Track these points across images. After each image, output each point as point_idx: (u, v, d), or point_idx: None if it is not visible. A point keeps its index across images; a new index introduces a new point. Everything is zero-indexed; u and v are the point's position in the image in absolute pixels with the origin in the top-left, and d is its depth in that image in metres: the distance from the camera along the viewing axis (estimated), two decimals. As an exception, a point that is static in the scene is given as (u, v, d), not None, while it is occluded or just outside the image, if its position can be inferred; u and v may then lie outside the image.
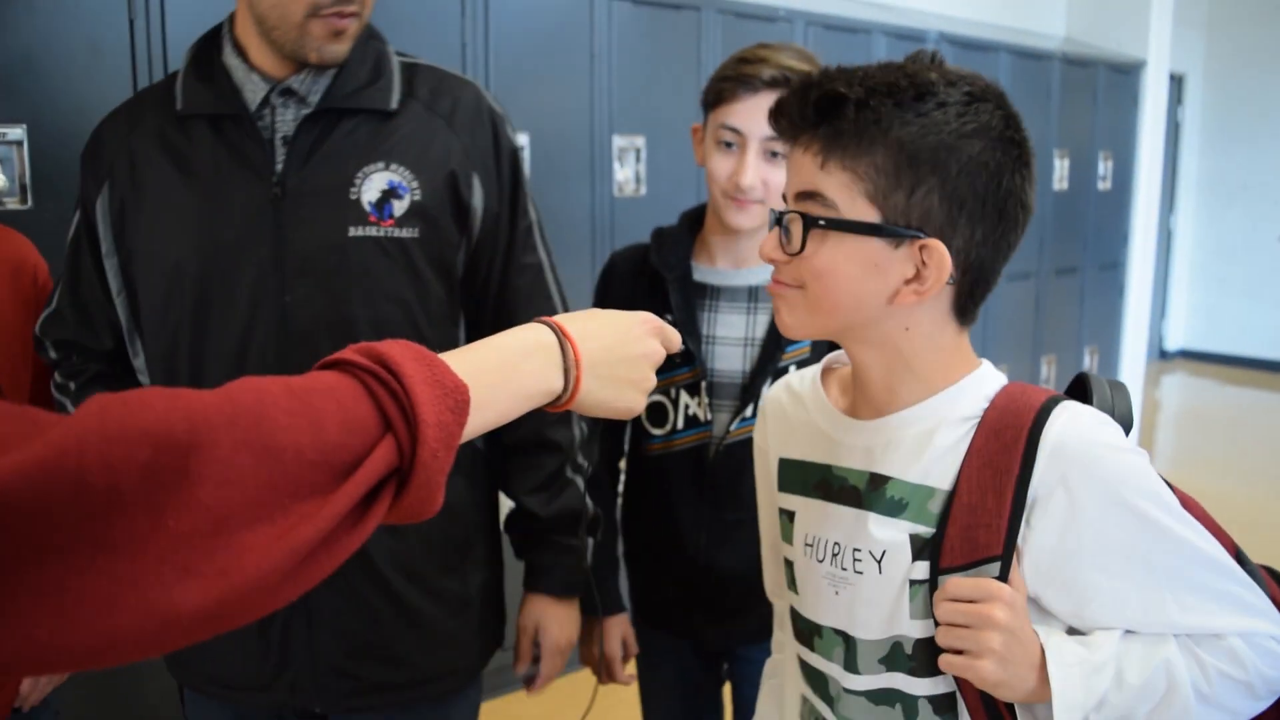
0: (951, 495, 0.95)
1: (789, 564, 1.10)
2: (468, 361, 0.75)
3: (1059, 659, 0.90)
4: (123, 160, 1.35)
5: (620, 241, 3.12)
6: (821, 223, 0.93)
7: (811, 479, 1.06)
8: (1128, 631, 0.93)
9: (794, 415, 1.11)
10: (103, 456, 0.53)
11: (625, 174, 3.18)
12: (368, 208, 1.30)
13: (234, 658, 1.37)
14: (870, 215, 0.92)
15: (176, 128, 1.34)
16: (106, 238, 1.37)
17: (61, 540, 0.52)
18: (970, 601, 0.91)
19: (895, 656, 0.99)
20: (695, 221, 1.66)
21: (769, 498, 1.16)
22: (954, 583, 0.92)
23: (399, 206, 1.32)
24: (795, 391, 1.13)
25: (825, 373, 1.12)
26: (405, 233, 1.32)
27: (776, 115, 0.98)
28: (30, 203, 2.09)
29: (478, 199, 1.37)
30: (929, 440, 0.98)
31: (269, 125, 1.32)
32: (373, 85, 1.34)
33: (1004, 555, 0.92)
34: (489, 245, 1.40)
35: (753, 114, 1.47)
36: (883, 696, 1.01)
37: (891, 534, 0.98)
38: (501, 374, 0.78)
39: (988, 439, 0.95)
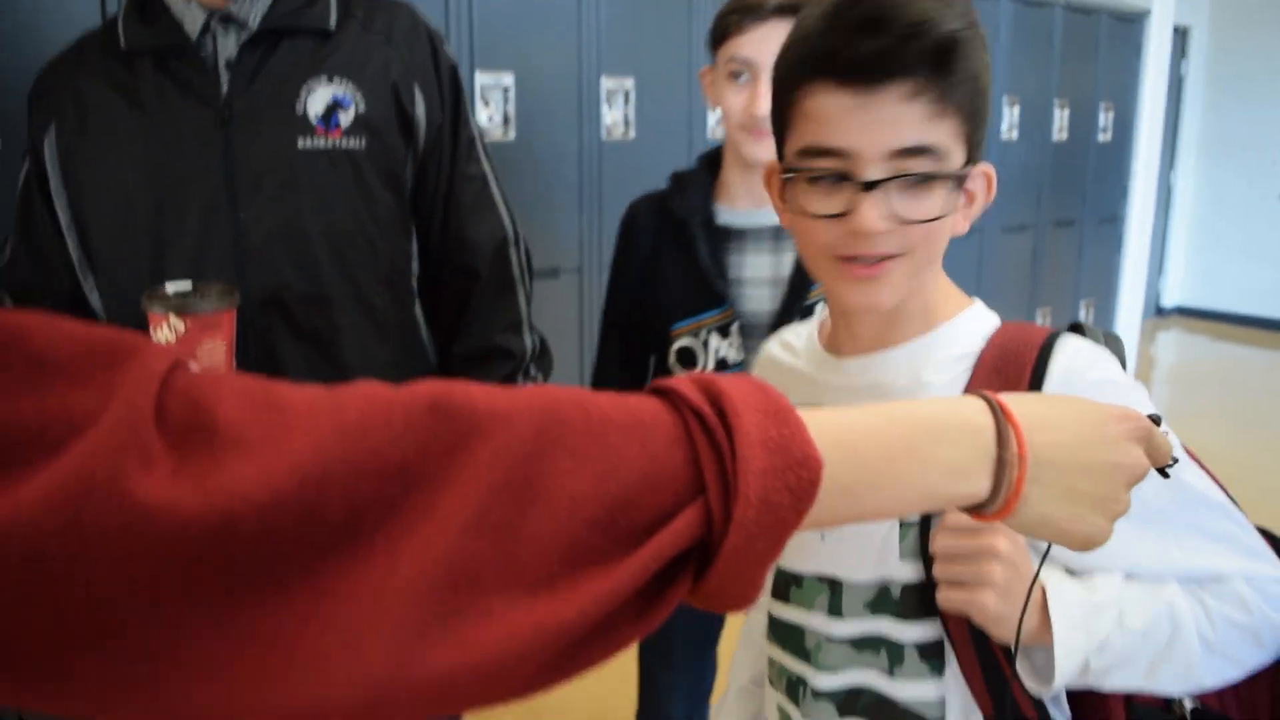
0: None
1: None
2: (847, 429, 0.56)
3: (1060, 599, 0.86)
4: (68, 100, 1.36)
5: (609, 187, 3.07)
6: (949, 180, 0.86)
7: None
8: (1129, 576, 0.89)
9: (786, 364, 1.07)
10: (346, 485, 0.43)
11: (614, 117, 3.10)
12: (314, 120, 1.33)
13: None
14: (960, 156, 0.87)
15: (121, 65, 1.35)
16: (55, 175, 1.37)
17: (285, 576, 0.42)
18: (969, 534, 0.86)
19: (882, 600, 0.95)
20: (713, 163, 1.62)
21: None
22: (953, 515, 0.86)
23: (344, 118, 1.34)
24: (788, 342, 1.09)
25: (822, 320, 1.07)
26: (352, 144, 1.34)
27: (856, 63, 0.83)
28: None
29: (420, 110, 1.40)
30: (919, 378, 0.94)
31: (211, 53, 1.34)
32: (310, 6, 1.37)
33: None
34: (434, 157, 1.43)
35: (763, 42, 1.45)
36: (867, 643, 0.97)
37: None
38: (891, 453, 0.57)
39: (989, 377, 0.91)
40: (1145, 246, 5.35)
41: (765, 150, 1.50)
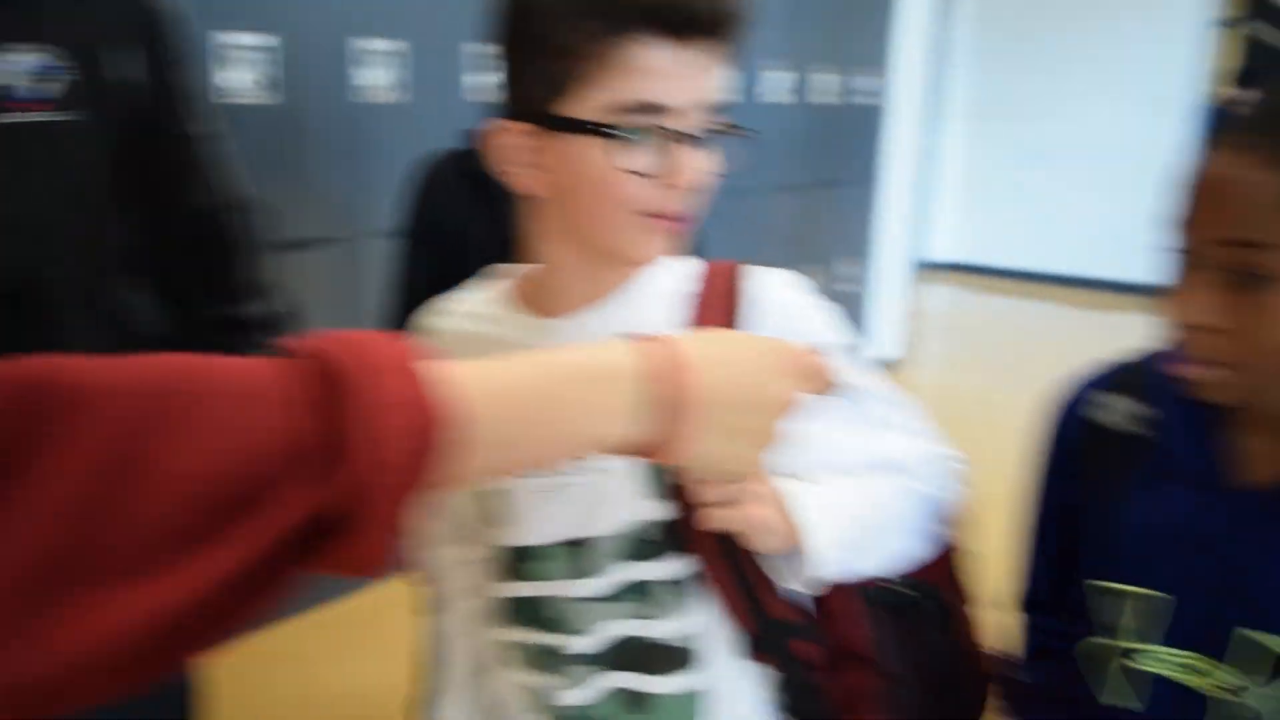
0: None
1: (496, 495, 1.01)
2: (494, 379, 0.56)
3: (795, 502, 0.90)
4: None
5: (379, 154, 3.01)
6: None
7: None
8: (831, 470, 0.96)
9: (482, 333, 1.02)
10: None
11: (381, 79, 3.04)
12: (19, 93, 1.21)
13: None
14: None
15: None
16: None
17: None
18: None
19: (636, 546, 0.97)
20: None
21: None
22: None
23: (47, 88, 1.23)
24: (471, 311, 1.05)
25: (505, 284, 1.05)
26: (57, 116, 1.24)
27: (695, 17, 0.84)
28: None
29: (124, 71, 1.30)
30: (642, 321, 0.94)
31: None
32: None
33: None
34: (150, 121, 1.34)
35: None
36: (624, 593, 0.98)
37: None
38: (541, 402, 0.57)
39: (705, 312, 0.96)
40: (907, 204, 5.65)
41: None
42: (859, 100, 5.12)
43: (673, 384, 0.61)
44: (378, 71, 3.02)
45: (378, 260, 3.16)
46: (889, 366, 5.76)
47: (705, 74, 0.86)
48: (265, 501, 0.46)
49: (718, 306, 0.96)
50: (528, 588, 1.00)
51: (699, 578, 0.97)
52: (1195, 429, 0.92)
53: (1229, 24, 10.11)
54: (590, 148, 0.86)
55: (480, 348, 0.99)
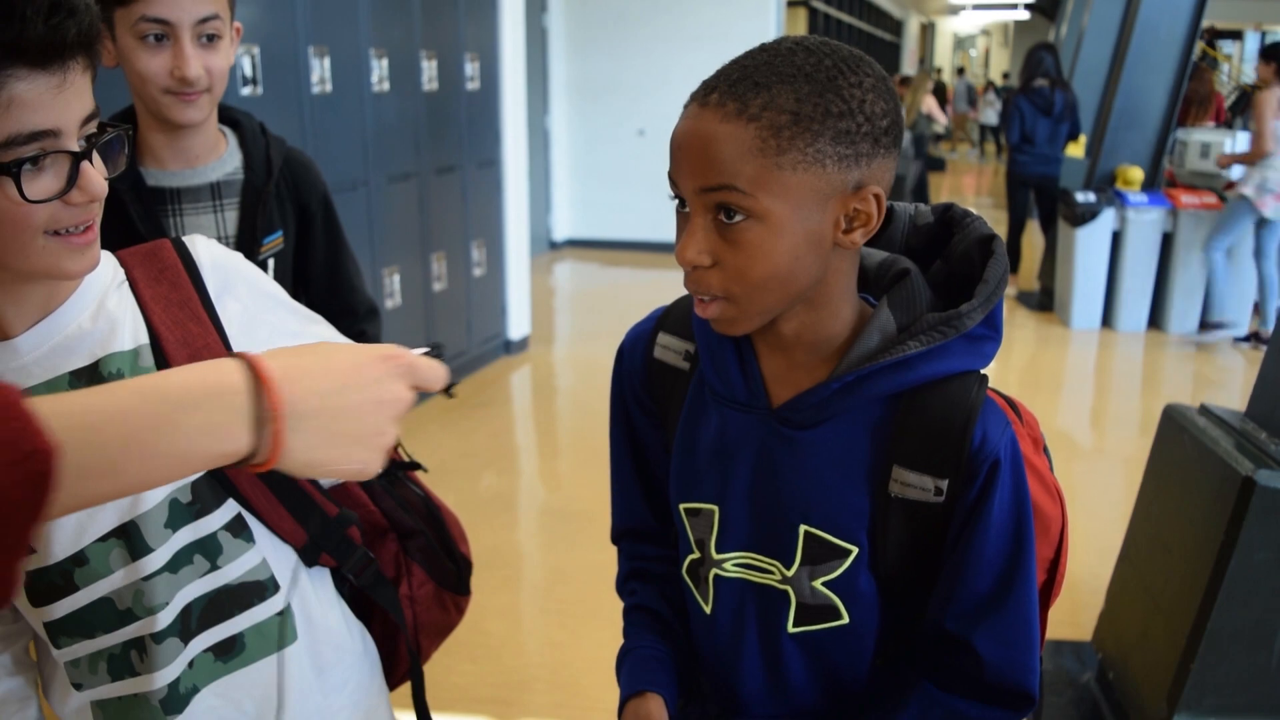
0: (157, 340, 1.01)
1: None
2: (91, 411, 0.57)
3: None
4: None
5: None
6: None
7: None
8: None
9: None
10: None
11: None
12: None
13: None
14: None
15: None
16: None
17: None
18: None
19: (177, 511, 1.01)
20: None
21: None
22: None
23: None
24: None
25: None
26: None
27: (48, 44, 0.84)
28: None
29: None
30: (101, 314, 1.00)
31: None
32: None
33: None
34: None
35: (177, 0, 1.37)
36: (182, 557, 1.02)
37: None
38: (139, 428, 0.59)
39: (153, 285, 1.04)
40: (524, 185, 5.81)
41: (199, 111, 1.45)
42: (467, 85, 5.20)
43: (262, 398, 0.66)
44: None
45: None
46: (523, 345, 5.94)
47: (79, 91, 0.87)
48: None
49: (170, 281, 1.04)
50: (80, 596, 1.00)
51: (245, 514, 1.07)
52: (729, 356, 1.03)
53: (802, 3, 11.18)
54: None
55: None
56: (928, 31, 25.07)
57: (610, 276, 8.53)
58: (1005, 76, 10.46)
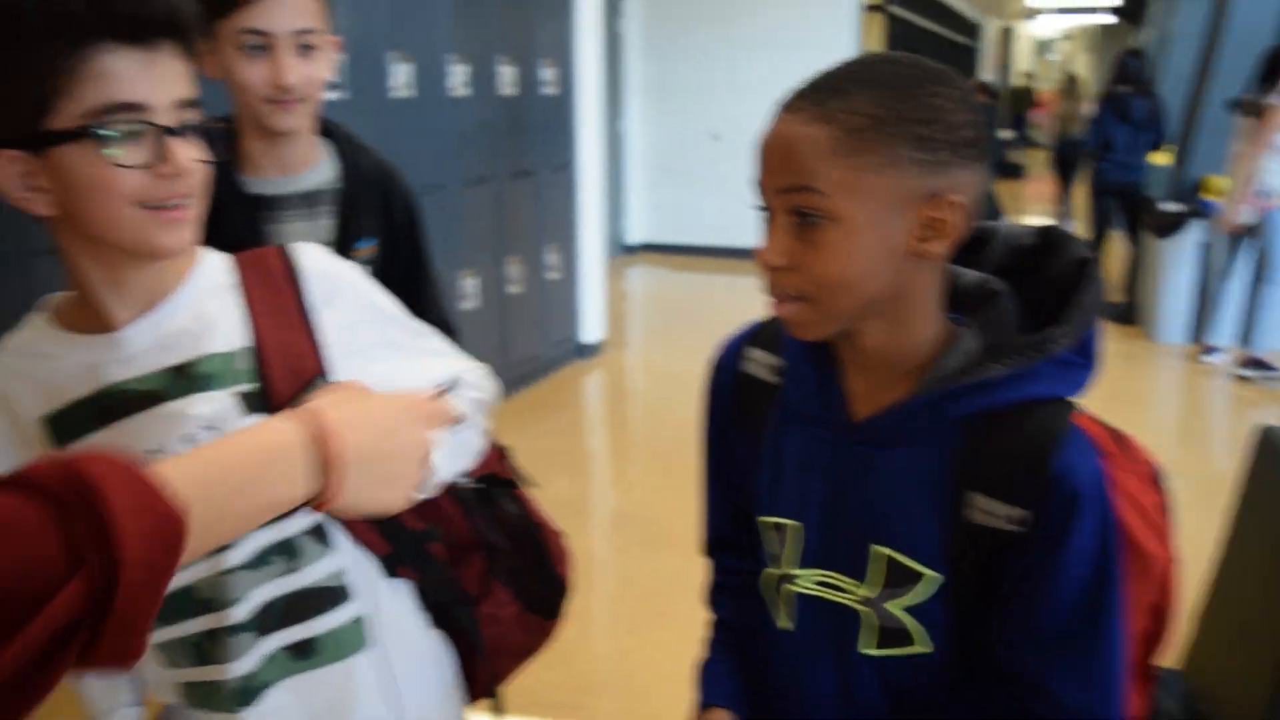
0: (257, 345, 1.05)
1: None
2: (194, 474, 0.65)
3: None
4: None
5: None
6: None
7: (90, 413, 1.02)
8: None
9: (35, 368, 1.03)
10: None
11: None
12: None
13: None
14: None
15: None
16: None
17: None
18: None
19: None
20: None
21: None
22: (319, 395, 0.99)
23: None
24: (22, 347, 1.05)
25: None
26: None
27: (141, 21, 0.91)
28: None
29: None
30: (202, 314, 1.04)
31: None
32: None
33: (325, 369, 1.07)
34: None
35: (276, 11, 1.43)
36: (264, 555, 1.06)
37: (217, 404, 1.02)
38: (235, 487, 0.68)
39: (262, 294, 1.07)
40: (599, 190, 5.82)
41: (296, 119, 1.51)
42: (543, 90, 5.23)
43: (325, 450, 0.75)
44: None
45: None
46: (599, 350, 5.96)
47: (170, 72, 0.93)
48: (33, 612, 0.54)
49: (274, 288, 1.08)
50: (172, 582, 1.04)
51: (328, 521, 1.09)
52: (813, 371, 1.03)
53: (879, 8, 11.08)
54: (79, 154, 0.90)
55: (36, 377, 1.02)
56: (1006, 36, 24.71)
57: (684, 281, 8.52)
58: (1073, 82, 10.23)
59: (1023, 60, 26.46)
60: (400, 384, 1.04)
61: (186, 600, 1.05)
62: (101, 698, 1.16)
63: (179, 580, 1.01)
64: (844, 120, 0.87)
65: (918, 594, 0.97)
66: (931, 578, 0.97)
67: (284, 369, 1.04)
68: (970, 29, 19.59)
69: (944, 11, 16.83)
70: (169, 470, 0.64)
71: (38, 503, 0.56)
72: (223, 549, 1.02)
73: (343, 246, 1.58)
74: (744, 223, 8.69)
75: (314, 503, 0.76)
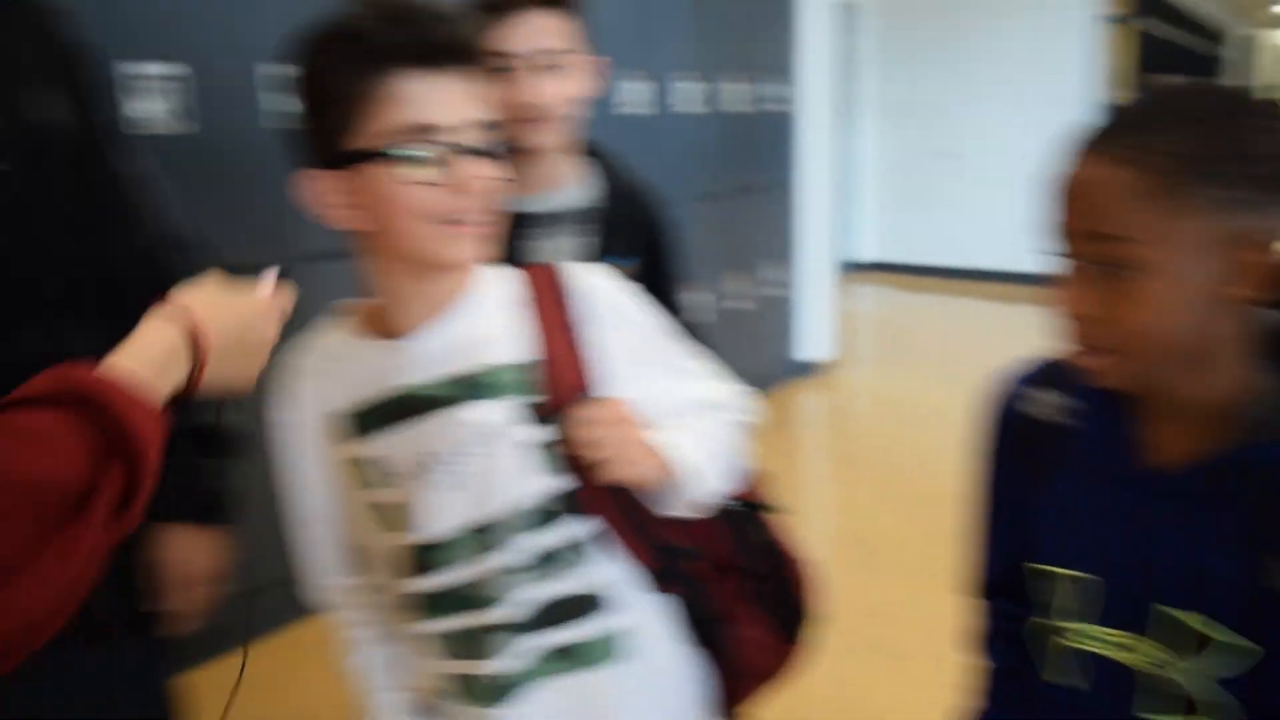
0: (542, 359, 1.09)
1: (386, 507, 1.12)
2: (143, 372, 0.80)
3: (664, 444, 1.09)
4: None
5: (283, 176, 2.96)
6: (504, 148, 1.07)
7: (385, 413, 1.09)
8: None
9: (336, 368, 1.13)
10: None
11: (159, 107, 2.75)
12: None
13: None
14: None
15: None
16: None
17: None
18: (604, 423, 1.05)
19: (538, 517, 1.09)
20: None
21: (315, 463, 1.17)
22: (579, 410, 1.05)
23: None
24: (328, 348, 1.15)
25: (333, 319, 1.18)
26: None
27: (440, 47, 1.01)
28: None
29: (46, 112, 1.25)
30: (489, 325, 1.09)
31: None
32: None
33: (591, 386, 1.10)
34: (76, 160, 1.28)
35: (515, 32, 1.47)
36: (531, 560, 1.09)
37: (498, 413, 1.07)
38: (159, 382, 0.82)
39: (544, 306, 1.11)
40: (825, 206, 5.72)
41: (541, 137, 1.54)
42: (770, 107, 5.19)
43: (197, 344, 0.86)
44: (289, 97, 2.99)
45: (311, 284, 3.16)
46: (821, 369, 5.84)
47: (461, 94, 1.00)
48: (91, 499, 0.69)
49: (554, 305, 1.11)
50: (438, 577, 1.10)
51: (600, 532, 1.11)
52: (1110, 418, 0.96)
53: (1120, 20, 10.47)
54: (377, 172, 0.99)
55: (338, 377, 1.12)
56: (1250, 44, 22.80)
57: (915, 302, 8.27)
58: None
59: (1268, 71, 24.39)
60: (664, 403, 1.12)
61: (452, 596, 1.10)
62: (370, 680, 1.23)
63: (449, 577, 1.10)
64: (1153, 161, 0.82)
65: (1227, 664, 0.89)
66: (1247, 648, 0.88)
67: (563, 384, 1.09)
68: (1215, 37, 18.22)
69: (1187, 20, 15.71)
70: (128, 365, 0.79)
71: (62, 414, 0.70)
72: (489, 549, 1.08)
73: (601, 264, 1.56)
74: (979, 243, 8.43)
75: (185, 388, 0.86)
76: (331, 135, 1.00)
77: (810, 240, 5.64)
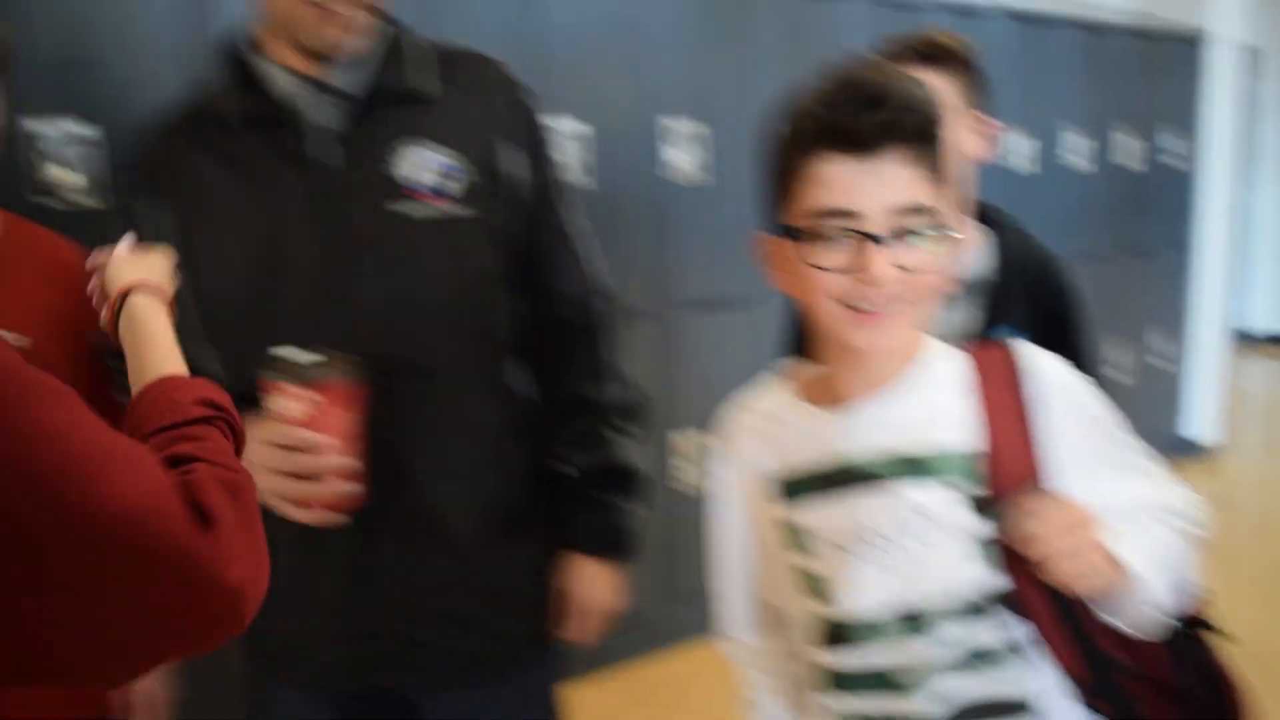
0: (989, 451, 1.05)
1: (811, 575, 1.11)
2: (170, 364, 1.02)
3: (1116, 546, 0.99)
4: (183, 176, 1.37)
5: (685, 231, 3.14)
6: (940, 232, 1.02)
7: (824, 481, 1.09)
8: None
9: (775, 431, 1.15)
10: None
11: (687, 161, 3.15)
12: (422, 188, 1.34)
13: (315, 636, 1.40)
14: (944, 211, 1.04)
15: (226, 137, 1.35)
16: (174, 252, 1.33)
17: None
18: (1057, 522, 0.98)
19: (960, 610, 1.05)
20: None
21: (744, 519, 1.18)
22: (1028, 502, 0.99)
23: (452, 185, 1.35)
24: (768, 410, 1.17)
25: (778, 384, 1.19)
26: (460, 211, 1.35)
27: (860, 132, 1.00)
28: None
29: (515, 168, 1.40)
30: (934, 406, 1.07)
31: (314, 121, 1.34)
32: (415, 73, 1.37)
33: (1040, 477, 1.04)
34: (533, 213, 1.42)
35: None
36: (958, 654, 1.05)
37: (939, 496, 1.05)
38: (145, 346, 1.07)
39: (998, 395, 1.07)
40: (1221, 273, 5.20)
41: None
42: (1165, 162, 4.82)
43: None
44: (682, 153, 3.14)
45: (688, 332, 3.39)
46: (1207, 453, 5.29)
47: (890, 178, 0.97)
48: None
49: (1004, 388, 1.07)
50: (855, 655, 1.08)
51: (1028, 635, 1.05)
52: None
53: None
54: (799, 248, 1.01)
55: (776, 440, 1.13)
56: None
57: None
58: None
59: None
60: (1115, 503, 1.03)
61: (868, 677, 1.08)
62: None
63: (866, 657, 1.08)
64: None
65: None
66: None
67: (1008, 474, 1.04)
68: None
69: None
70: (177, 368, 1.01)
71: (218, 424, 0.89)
72: (913, 635, 1.05)
73: (983, 338, 1.49)
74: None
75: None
76: (776, 204, 1.05)
77: (1205, 308, 5.14)
